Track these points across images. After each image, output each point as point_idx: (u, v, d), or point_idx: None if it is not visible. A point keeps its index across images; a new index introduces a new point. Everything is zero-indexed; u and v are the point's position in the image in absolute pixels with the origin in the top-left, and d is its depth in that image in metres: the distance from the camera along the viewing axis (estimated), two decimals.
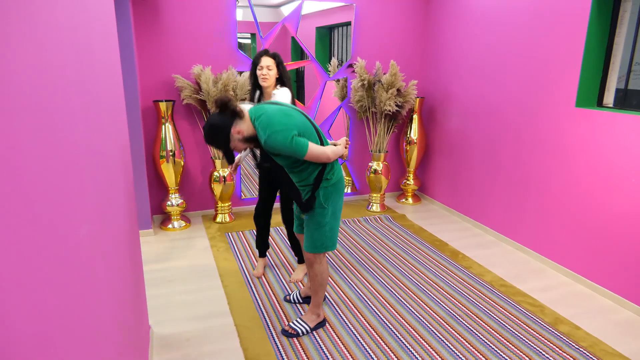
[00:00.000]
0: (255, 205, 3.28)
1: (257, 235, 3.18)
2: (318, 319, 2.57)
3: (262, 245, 3.19)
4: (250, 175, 5.04)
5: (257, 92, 2.84)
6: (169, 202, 3.93)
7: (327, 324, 2.61)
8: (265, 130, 2.07)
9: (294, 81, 4.80)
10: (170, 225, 3.99)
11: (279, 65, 2.75)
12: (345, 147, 2.37)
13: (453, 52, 4.27)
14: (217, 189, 4.03)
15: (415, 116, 4.61)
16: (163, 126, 3.77)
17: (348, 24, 4.45)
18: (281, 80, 2.78)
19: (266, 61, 2.71)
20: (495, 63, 3.75)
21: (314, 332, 2.53)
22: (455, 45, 4.22)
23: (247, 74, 3.85)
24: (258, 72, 2.73)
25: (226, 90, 3.73)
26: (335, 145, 2.31)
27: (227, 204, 4.15)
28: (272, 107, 2.17)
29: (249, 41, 4.35)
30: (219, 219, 4.16)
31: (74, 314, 0.92)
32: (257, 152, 2.85)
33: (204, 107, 3.90)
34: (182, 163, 3.89)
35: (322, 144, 2.24)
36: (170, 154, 3.79)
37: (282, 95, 2.71)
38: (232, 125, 2.09)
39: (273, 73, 2.72)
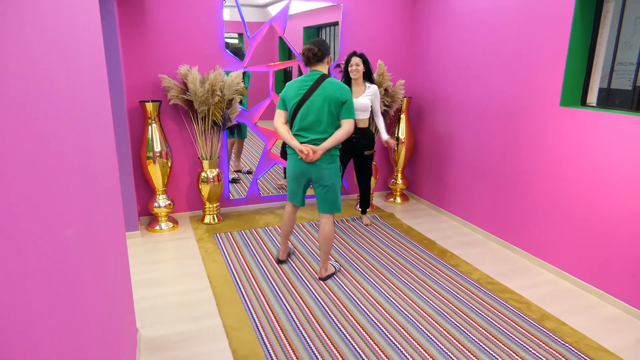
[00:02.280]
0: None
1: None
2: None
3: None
4: (240, 177, 5.01)
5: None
6: (156, 204, 3.89)
7: (315, 324, 2.61)
8: None
9: (282, 81, 4.79)
10: (157, 227, 3.95)
11: (365, 62, 3.67)
12: (302, 151, 2.86)
13: (440, 52, 4.30)
14: (205, 189, 4.01)
15: (402, 116, 4.63)
16: (150, 127, 3.73)
17: (335, 24, 4.46)
18: (369, 76, 3.74)
19: (355, 60, 3.65)
20: (482, 63, 3.79)
21: (302, 329, 2.53)
22: (443, 45, 4.26)
23: (234, 74, 3.84)
24: (350, 69, 3.68)
25: (213, 91, 3.71)
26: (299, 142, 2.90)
27: (215, 205, 4.13)
28: (303, 77, 2.89)
29: (236, 41, 4.33)
30: (207, 220, 4.13)
31: (59, 317, 0.91)
32: None
33: (191, 107, 3.87)
34: (169, 164, 3.86)
35: (292, 123, 2.92)
36: (157, 154, 3.75)
37: (372, 90, 3.74)
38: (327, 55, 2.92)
39: (360, 68, 3.65)
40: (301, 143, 2.85)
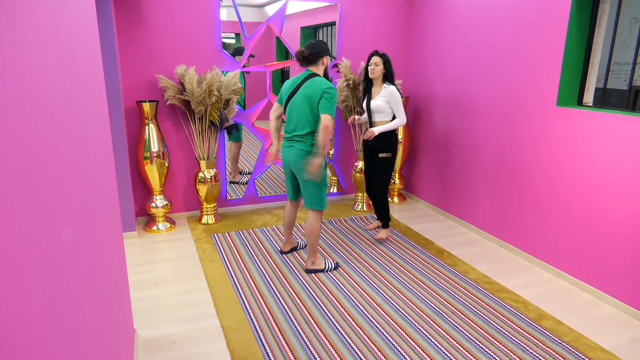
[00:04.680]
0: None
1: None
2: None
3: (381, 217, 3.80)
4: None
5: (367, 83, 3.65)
6: (153, 204, 3.89)
7: (313, 324, 2.61)
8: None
9: (279, 81, 4.79)
10: (154, 227, 3.94)
11: (386, 63, 3.48)
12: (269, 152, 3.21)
13: (437, 52, 4.31)
14: (202, 189, 4.00)
15: None
16: (147, 127, 3.72)
17: (333, 24, 4.46)
18: (389, 78, 3.50)
19: (375, 59, 3.47)
20: (478, 63, 3.80)
21: (300, 329, 2.53)
22: (440, 45, 4.26)
23: (231, 74, 3.84)
24: (369, 68, 3.52)
25: (210, 91, 3.70)
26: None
27: (212, 205, 4.12)
28: (298, 75, 3.07)
29: (233, 41, 4.33)
30: (204, 220, 4.13)
31: (55, 318, 0.91)
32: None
33: (188, 107, 3.86)
34: (167, 164, 3.85)
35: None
36: (154, 154, 3.74)
37: (387, 92, 3.47)
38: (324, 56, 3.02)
39: (379, 69, 3.47)
40: (284, 138, 3.11)
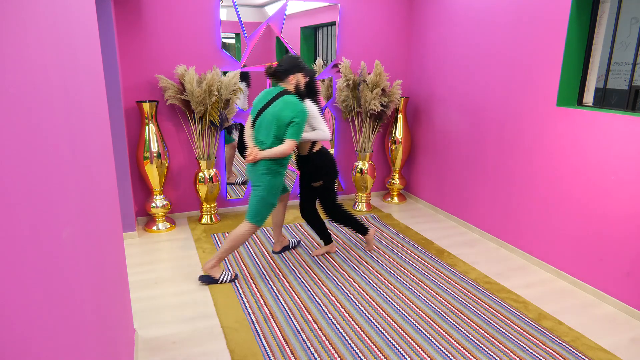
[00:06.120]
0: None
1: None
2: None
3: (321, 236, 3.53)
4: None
5: None
6: (153, 204, 3.89)
7: (313, 324, 2.61)
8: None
9: None
10: (154, 227, 3.94)
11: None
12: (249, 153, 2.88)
13: (437, 52, 4.31)
14: (202, 189, 4.00)
15: (400, 116, 4.64)
16: (147, 127, 3.72)
17: (333, 24, 4.46)
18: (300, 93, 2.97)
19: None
20: (478, 63, 3.80)
21: (300, 329, 2.53)
22: (440, 45, 4.26)
23: (231, 74, 3.83)
24: None
25: (210, 91, 3.70)
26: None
27: (212, 205, 4.12)
28: (271, 88, 2.93)
29: (233, 41, 4.33)
30: (204, 220, 4.13)
31: (55, 318, 0.91)
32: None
33: (188, 107, 3.86)
34: (167, 164, 3.85)
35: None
36: (155, 155, 3.74)
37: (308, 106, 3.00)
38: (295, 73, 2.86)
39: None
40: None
